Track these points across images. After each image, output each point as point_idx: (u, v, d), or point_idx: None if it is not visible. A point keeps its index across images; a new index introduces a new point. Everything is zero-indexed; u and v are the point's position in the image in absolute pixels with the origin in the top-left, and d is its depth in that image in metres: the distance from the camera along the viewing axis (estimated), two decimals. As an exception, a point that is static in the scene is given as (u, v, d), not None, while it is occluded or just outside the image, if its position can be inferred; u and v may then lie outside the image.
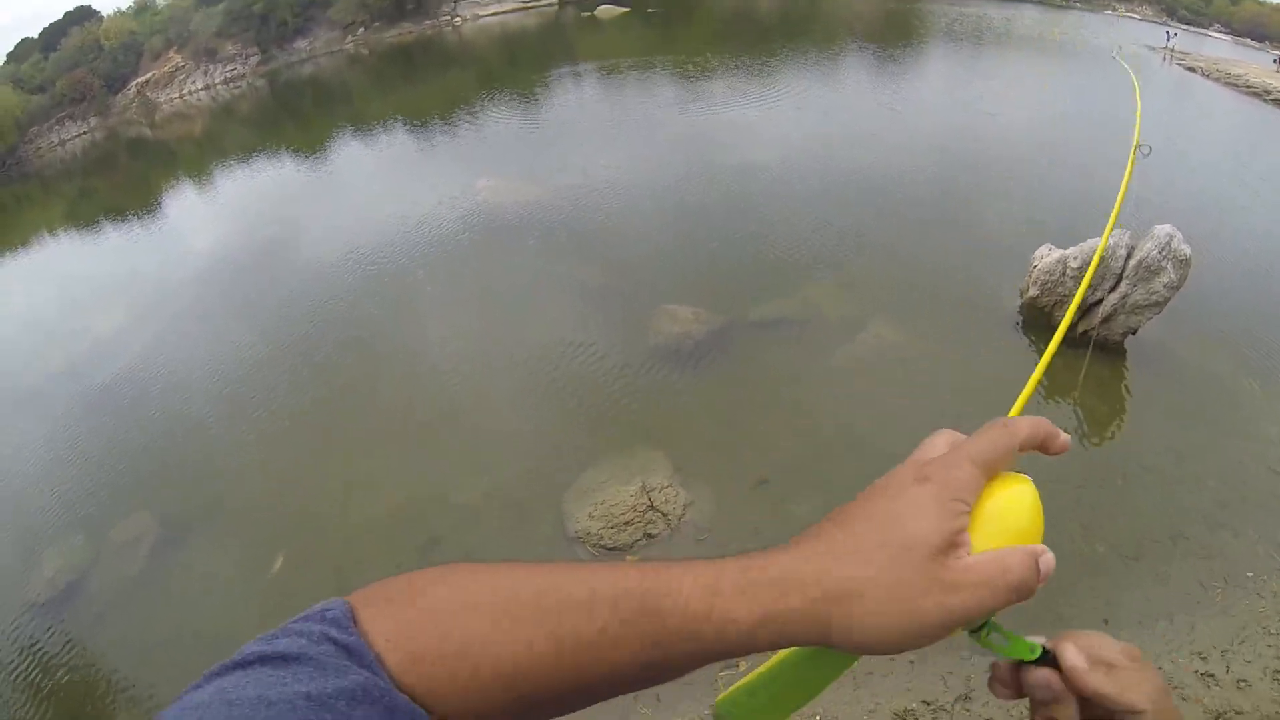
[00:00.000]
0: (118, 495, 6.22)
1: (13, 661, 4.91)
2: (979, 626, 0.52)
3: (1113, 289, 5.59)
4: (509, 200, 10.28)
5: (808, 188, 9.59)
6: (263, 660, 0.47)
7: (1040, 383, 5.59)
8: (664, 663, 0.50)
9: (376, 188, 12.80)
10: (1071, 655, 0.51)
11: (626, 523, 4.55)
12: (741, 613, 0.48)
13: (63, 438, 7.20)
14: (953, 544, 0.48)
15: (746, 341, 6.55)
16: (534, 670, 0.50)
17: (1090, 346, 5.64)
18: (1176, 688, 3.38)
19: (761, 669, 0.59)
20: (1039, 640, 0.52)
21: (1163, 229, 5.39)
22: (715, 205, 9.33)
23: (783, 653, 0.57)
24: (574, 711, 0.53)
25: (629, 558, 4.42)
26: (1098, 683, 0.50)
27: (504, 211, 10.02)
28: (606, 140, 12.55)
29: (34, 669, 4.83)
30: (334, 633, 0.49)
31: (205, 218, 14.69)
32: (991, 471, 0.52)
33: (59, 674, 4.76)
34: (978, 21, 24.18)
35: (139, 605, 5.19)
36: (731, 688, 0.59)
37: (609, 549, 4.48)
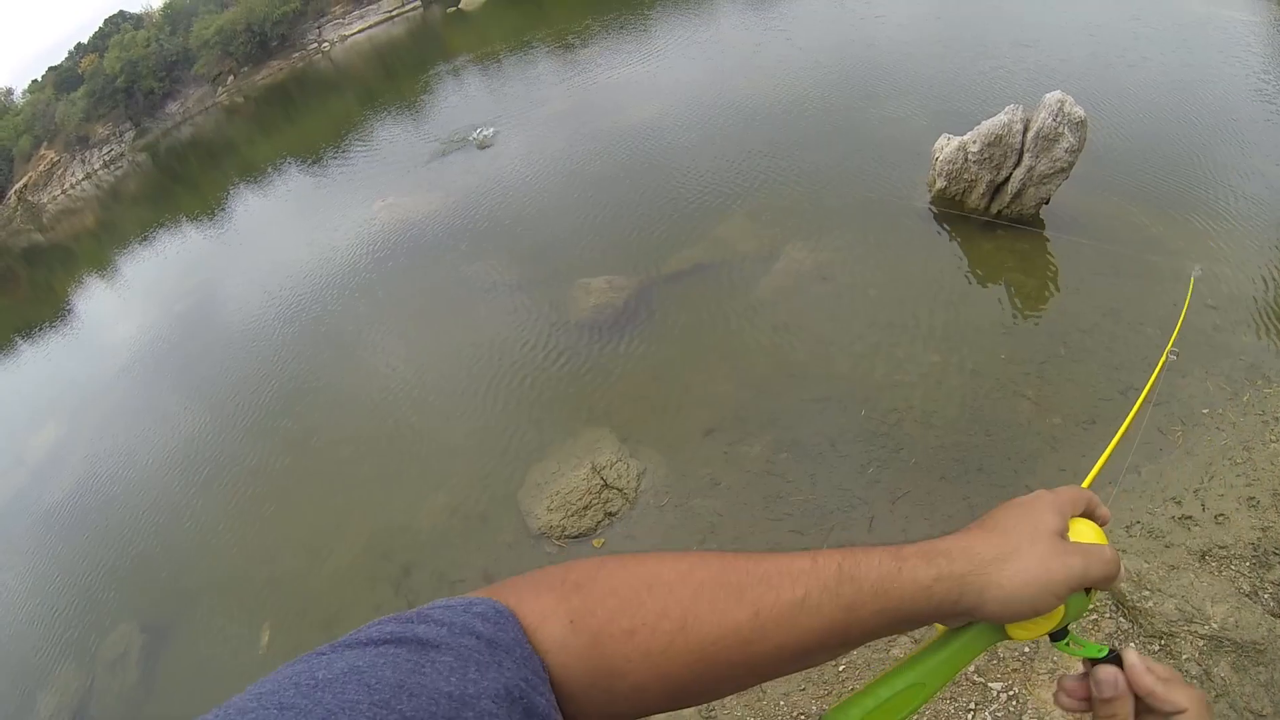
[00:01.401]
0: (95, 614, 6.12)
1: None
2: (1061, 633, 0.68)
3: (1016, 165, 5.65)
4: (410, 215, 10.16)
5: (702, 132, 9.52)
6: (398, 642, 0.47)
7: (964, 272, 5.79)
8: (847, 630, 0.59)
9: (280, 233, 12.59)
10: (1133, 656, 0.64)
11: (585, 507, 4.59)
12: (923, 572, 0.60)
13: (28, 571, 7.07)
14: (1064, 532, 0.66)
15: (666, 297, 6.55)
16: (727, 639, 0.55)
17: (1002, 224, 5.75)
18: (1158, 537, 3.46)
19: (872, 681, 0.68)
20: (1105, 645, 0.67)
21: (1052, 95, 5.44)
22: (611, 170, 9.28)
23: (896, 664, 0.69)
24: (751, 686, 0.60)
25: (595, 542, 4.53)
26: (1152, 682, 0.62)
27: (407, 227, 9.93)
28: (496, 131, 12.35)
29: None
30: (479, 625, 0.50)
31: (119, 307, 14.32)
32: (1076, 506, 0.70)
33: None
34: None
35: (144, 716, 5.15)
36: (843, 699, 0.67)
37: (574, 537, 4.53)
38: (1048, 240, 5.80)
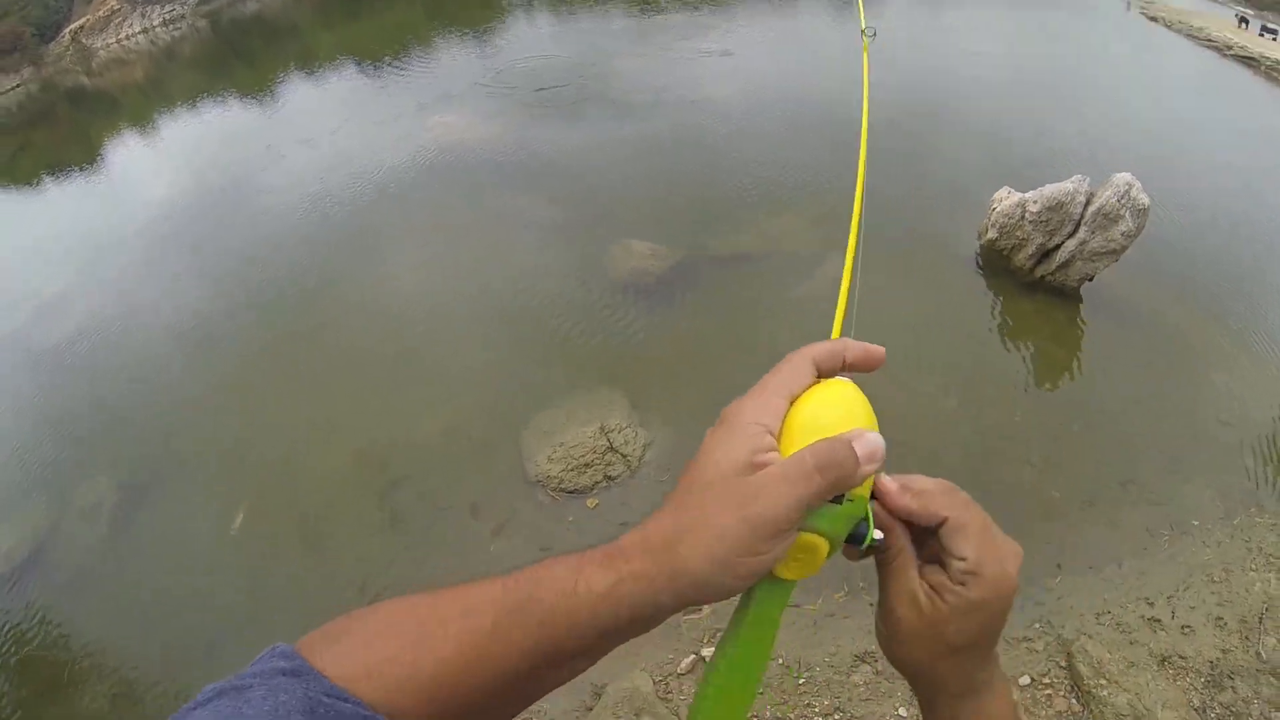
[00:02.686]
0: (73, 461, 6.09)
1: None
2: (857, 537, 0.58)
3: (1070, 235, 5.59)
4: (462, 138, 9.99)
5: (771, 123, 9.35)
6: (220, 694, 0.49)
7: (995, 326, 5.72)
8: (555, 647, 0.53)
9: (327, 127, 12.33)
10: (884, 480, 0.59)
11: (586, 465, 4.56)
12: (599, 580, 0.52)
13: (10, 407, 7.00)
14: (753, 464, 0.51)
15: (705, 276, 6.48)
16: (447, 673, 0.53)
17: (1047, 292, 5.73)
18: (1125, 631, 3.51)
19: (707, 672, 0.61)
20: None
21: (1122, 177, 5.37)
22: (673, 140, 9.12)
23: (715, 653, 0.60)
24: (512, 714, 0.58)
25: (589, 502, 4.49)
26: (906, 501, 0.58)
27: (458, 148, 9.76)
28: (559, 74, 12.12)
29: (3, 642, 4.76)
30: (280, 663, 0.52)
31: (153, 166, 14.12)
32: (793, 392, 0.56)
33: (31, 644, 4.70)
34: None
35: (105, 571, 5.12)
36: (695, 695, 0.61)
37: (569, 492, 4.50)
38: (1084, 317, 5.76)
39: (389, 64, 15.67)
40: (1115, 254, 5.48)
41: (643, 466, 4.67)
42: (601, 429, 4.75)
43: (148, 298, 8.13)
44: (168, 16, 35.68)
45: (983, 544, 0.58)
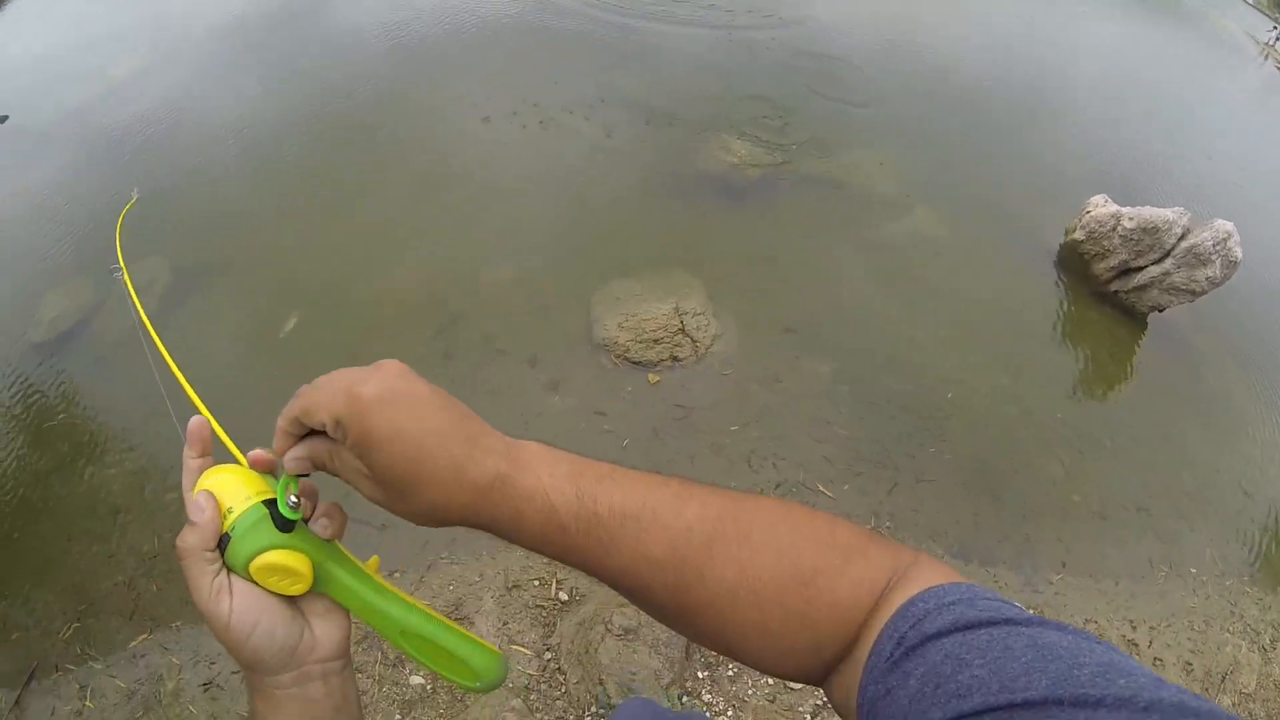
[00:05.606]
0: (129, 238, 5.97)
1: (7, 401, 4.77)
2: (290, 523, 0.66)
3: (1156, 262, 5.56)
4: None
5: (882, 56, 8.99)
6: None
7: (1059, 324, 5.71)
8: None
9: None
10: (259, 454, 0.73)
11: (656, 340, 4.48)
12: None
13: (69, 180, 6.85)
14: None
15: (794, 191, 6.33)
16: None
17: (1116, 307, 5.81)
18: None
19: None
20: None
21: (1224, 225, 5.32)
22: (781, 47, 8.74)
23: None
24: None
25: (650, 377, 4.40)
26: (288, 411, 0.66)
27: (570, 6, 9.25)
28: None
29: (30, 410, 4.72)
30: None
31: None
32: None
33: (57, 417, 4.66)
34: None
35: (144, 353, 5.05)
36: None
37: (634, 362, 4.42)
38: (1144, 343, 5.76)
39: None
40: (1193, 295, 5.50)
41: (709, 356, 4.60)
42: (677, 310, 4.65)
43: (220, 95, 7.88)
44: None
45: (321, 399, 0.62)
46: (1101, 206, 5.88)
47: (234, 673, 3.23)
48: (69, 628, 3.51)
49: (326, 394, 0.61)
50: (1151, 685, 0.40)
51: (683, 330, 4.54)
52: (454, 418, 0.62)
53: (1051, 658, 0.44)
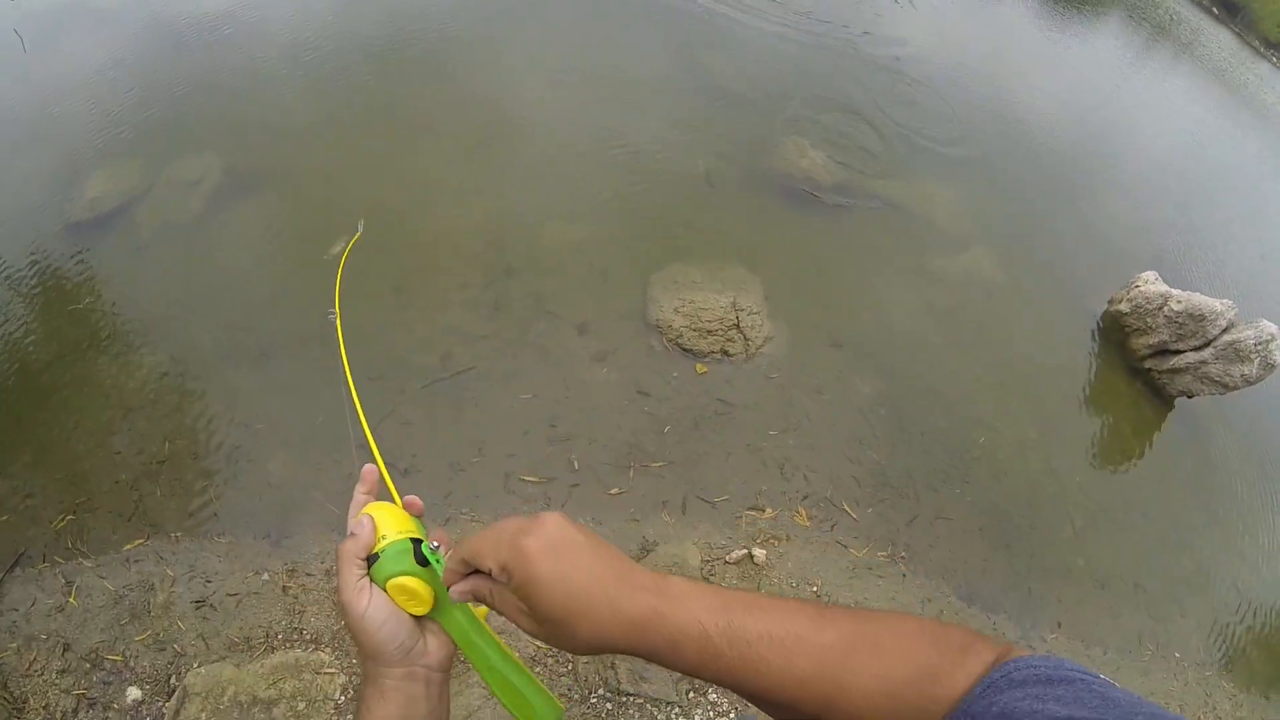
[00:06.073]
0: (181, 132, 5.79)
1: (33, 279, 4.54)
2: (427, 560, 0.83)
3: (1195, 349, 5.56)
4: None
5: (966, 92, 8.86)
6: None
7: (1089, 390, 5.70)
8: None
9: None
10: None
11: (710, 331, 4.42)
12: None
13: (129, 64, 6.59)
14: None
15: (860, 208, 6.27)
16: None
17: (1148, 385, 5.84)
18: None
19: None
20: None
21: (1270, 327, 5.33)
22: (872, 64, 8.64)
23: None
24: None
25: (698, 367, 4.34)
26: (458, 553, 0.77)
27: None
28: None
29: (50, 290, 4.51)
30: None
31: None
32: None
33: (88, 299, 4.45)
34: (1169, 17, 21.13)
35: (185, 245, 4.90)
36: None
37: (685, 349, 4.36)
38: (1167, 425, 5.75)
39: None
40: (1225, 388, 5.50)
41: (758, 356, 4.54)
42: (734, 305, 4.58)
43: (290, 8, 7.68)
44: None
45: (487, 548, 0.72)
46: (1151, 284, 5.88)
47: (230, 594, 3.15)
48: (63, 519, 3.37)
49: (492, 543, 0.71)
50: None
51: (737, 326, 4.47)
52: (607, 560, 0.71)
53: (1113, 704, 0.55)
